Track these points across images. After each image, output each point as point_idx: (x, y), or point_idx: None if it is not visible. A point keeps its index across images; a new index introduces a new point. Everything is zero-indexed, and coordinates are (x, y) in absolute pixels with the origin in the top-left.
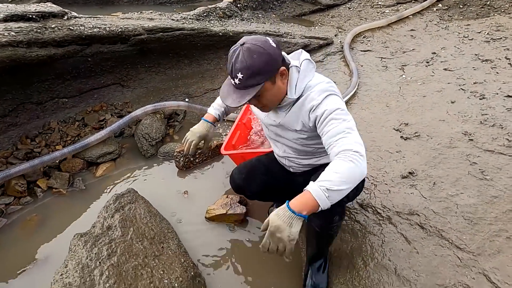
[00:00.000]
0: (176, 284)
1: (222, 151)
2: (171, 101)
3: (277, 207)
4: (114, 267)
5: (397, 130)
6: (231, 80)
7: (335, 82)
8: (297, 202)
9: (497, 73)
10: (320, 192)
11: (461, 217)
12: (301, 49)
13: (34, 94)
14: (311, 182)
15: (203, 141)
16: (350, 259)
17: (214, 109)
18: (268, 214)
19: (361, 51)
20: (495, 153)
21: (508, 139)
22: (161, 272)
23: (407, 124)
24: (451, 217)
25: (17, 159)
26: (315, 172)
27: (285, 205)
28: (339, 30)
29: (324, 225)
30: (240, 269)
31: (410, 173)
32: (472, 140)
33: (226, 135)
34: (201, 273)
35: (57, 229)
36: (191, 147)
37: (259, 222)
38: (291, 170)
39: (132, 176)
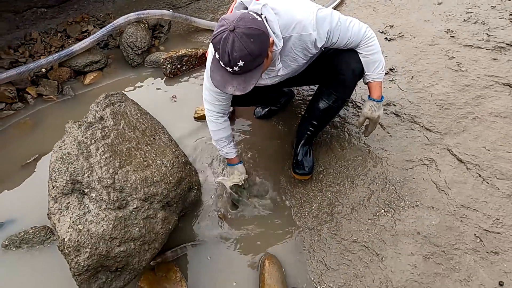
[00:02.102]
0: (168, 165)
1: None
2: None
3: (262, 108)
4: (109, 146)
5: (382, 32)
6: (226, 67)
7: None
8: (375, 92)
9: None
10: (380, 74)
11: (433, 104)
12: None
13: (10, 1)
14: (368, 75)
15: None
16: (329, 145)
17: (228, 150)
18: (254, 114)
19: None
20: (474, 47)
21: (488, 34)
22: (154, 155)
23: (392, 26)
24: (424, 105)
25: (2, 69)
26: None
27: (371, 100)
28: None
29: (341, 102)
30: None
31: (390, 69)
32: (453, 37)
33: None
34: (192, 163)
35: (52, 129)
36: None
37: (246, 118)
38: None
39: (120, 84)
